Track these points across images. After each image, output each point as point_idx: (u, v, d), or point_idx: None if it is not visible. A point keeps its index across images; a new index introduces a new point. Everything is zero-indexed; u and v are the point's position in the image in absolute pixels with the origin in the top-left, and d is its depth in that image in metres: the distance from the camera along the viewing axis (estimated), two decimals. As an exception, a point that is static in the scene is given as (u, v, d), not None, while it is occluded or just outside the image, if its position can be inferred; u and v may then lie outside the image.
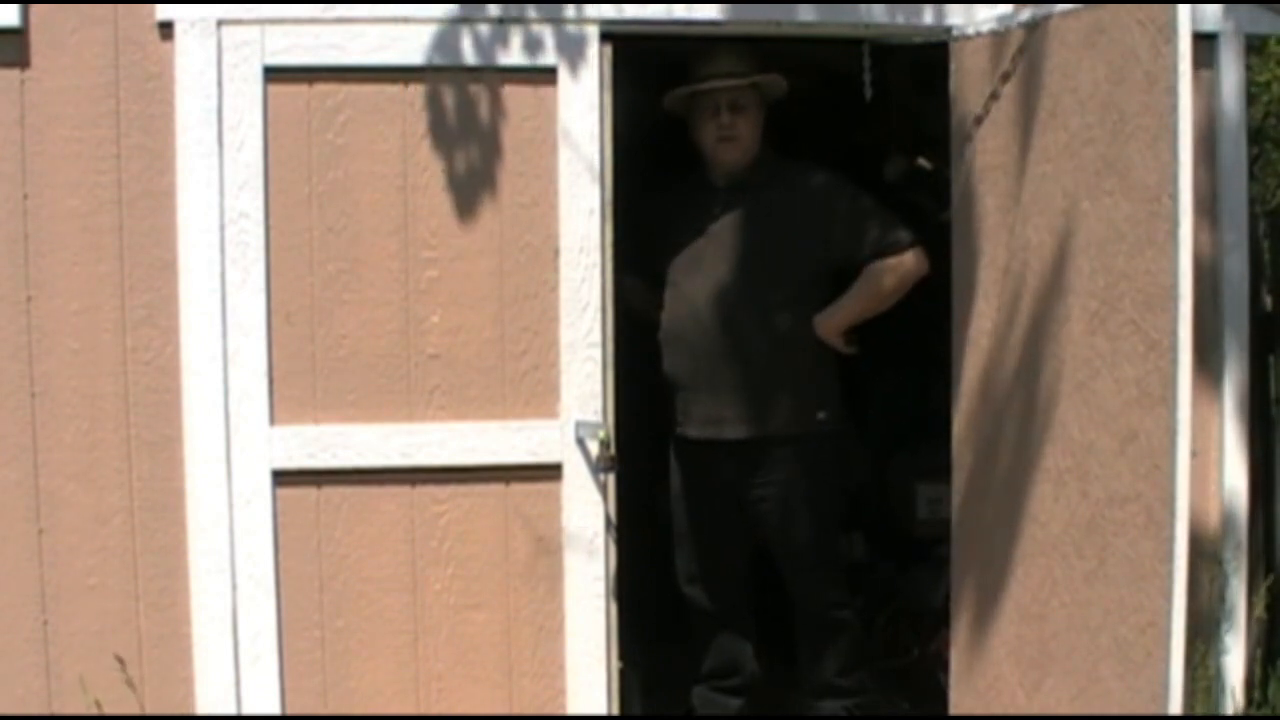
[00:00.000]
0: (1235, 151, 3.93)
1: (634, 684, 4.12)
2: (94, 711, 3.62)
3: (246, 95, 3.65)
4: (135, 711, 3.65)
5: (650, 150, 4.30)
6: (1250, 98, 4.41)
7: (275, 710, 3.72)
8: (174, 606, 3.70)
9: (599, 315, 3.77)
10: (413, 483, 3.76)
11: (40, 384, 3.66)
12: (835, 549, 4.33)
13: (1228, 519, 3.93)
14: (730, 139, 4.11)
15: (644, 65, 3.90)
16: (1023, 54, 3.54)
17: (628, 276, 4.07)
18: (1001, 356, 3.65)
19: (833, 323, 4.10)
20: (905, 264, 4.08)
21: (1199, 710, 3.79)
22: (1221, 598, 3.89)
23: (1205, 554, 3.88)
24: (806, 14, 3.80)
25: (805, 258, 4.09)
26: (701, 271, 4.13)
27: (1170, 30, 3.00)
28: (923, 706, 4.40)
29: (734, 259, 4.10)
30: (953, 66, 3.84)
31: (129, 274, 3.66)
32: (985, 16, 3.73)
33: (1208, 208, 3.86)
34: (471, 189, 3.74)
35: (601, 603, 3.80)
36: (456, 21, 3.69)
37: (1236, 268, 3.95)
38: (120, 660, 3.62)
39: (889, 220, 4.12)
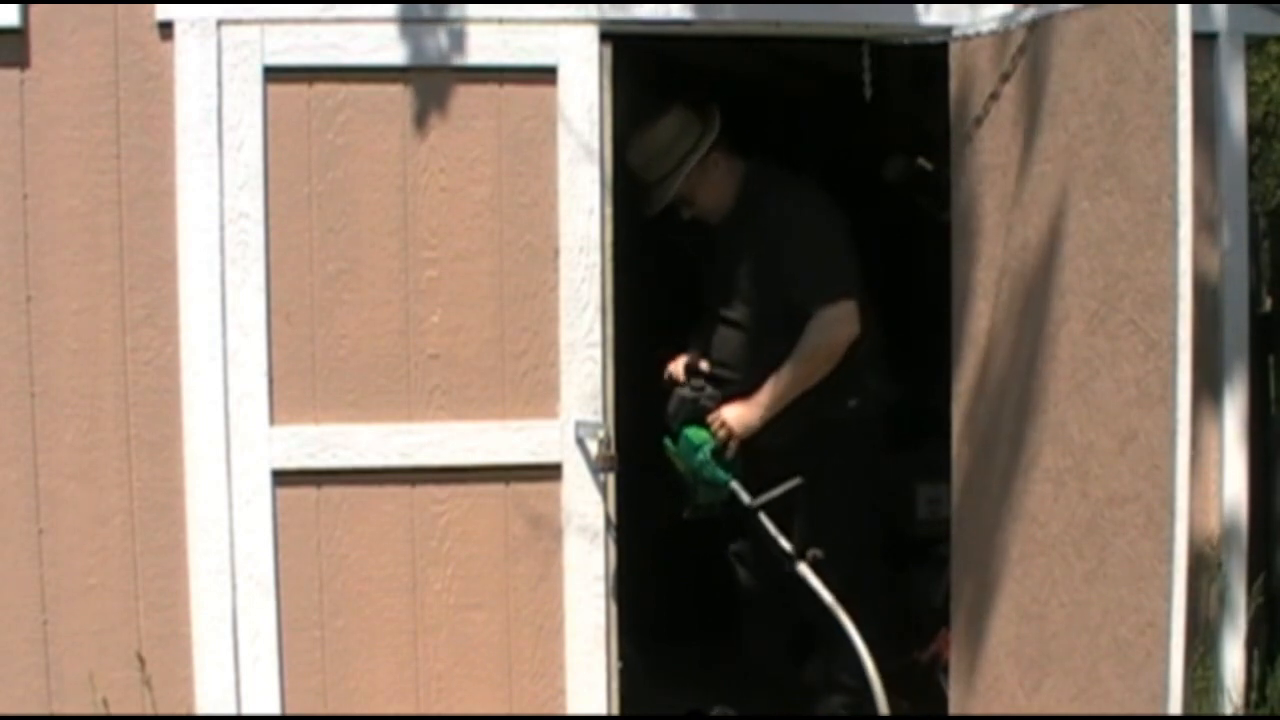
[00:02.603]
0: (1235, 151, 3.93)
1: (639, 679, 4.11)
2: (101, 709, 3.62)
3: (246, 95, 3.65)
4: (139, 710, 3.65)
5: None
6: (1250, 98, 4.41)
7: (275, 710, 3.72)
8: (174, 606, 3.70)
9: (599, 315, 3.77)
10: (413, 483, 3.76)
11: (40, 384, 3.66)
12: (861, 538, 4.30)
13: (1227, 519, 3.93)
14: (704, 212, 4.14)
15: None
16: (1022, 54, 3.54)
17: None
18: (1001, 356, 3.65)
19: (749, 417, 4.01)
20: (838, 314, 3.97)
21: (1199, 710, 3.79)
22: (1221, 598, 3.89)
23: (1205, 554, 3.89)
24: (806, 14, 3.81)
25: (778, 285, 4.08)
26: (714, 296, 4.17)
27: (1170, 30, 3.00)
28: (923, 706, 4.40)
29: (735, 286, 4.12)
30: (953, 66, 3.84)
31: (129, 274, 3.67)
32: (985, 16, 3.73)
33: (1207, 208, 3.86)
34: (471, 189, 3.74)
35: (601, 602, 3.80)
36: (457, 21, 3.69)
37: (1236, 268, 3.95)
38: (141, 659, 3.63)
39: (832, 267, 4.02)
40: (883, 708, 3.59)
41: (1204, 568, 3.86)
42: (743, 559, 4.38)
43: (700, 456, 4.00)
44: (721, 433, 4.01)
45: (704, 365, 4.14)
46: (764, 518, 3.94)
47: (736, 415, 4.01)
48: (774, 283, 4.02)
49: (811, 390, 4.00)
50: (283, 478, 3.71)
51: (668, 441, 4.09)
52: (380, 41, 3.68)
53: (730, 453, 4.02)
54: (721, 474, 3.99)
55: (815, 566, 3.89)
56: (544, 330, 3.77)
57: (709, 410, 4.05)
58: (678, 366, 4.20)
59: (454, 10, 3.69)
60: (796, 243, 4.01)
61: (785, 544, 3.91)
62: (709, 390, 4.09)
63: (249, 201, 3.66)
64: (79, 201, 3.64)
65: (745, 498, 3.96)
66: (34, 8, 3.60)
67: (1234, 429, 3.94)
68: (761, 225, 4.06)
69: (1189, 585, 3.07)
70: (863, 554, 4.24)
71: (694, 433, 4.04)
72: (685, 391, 4.09)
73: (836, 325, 3.97)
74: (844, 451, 4.14)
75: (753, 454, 4.08)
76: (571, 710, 3.81)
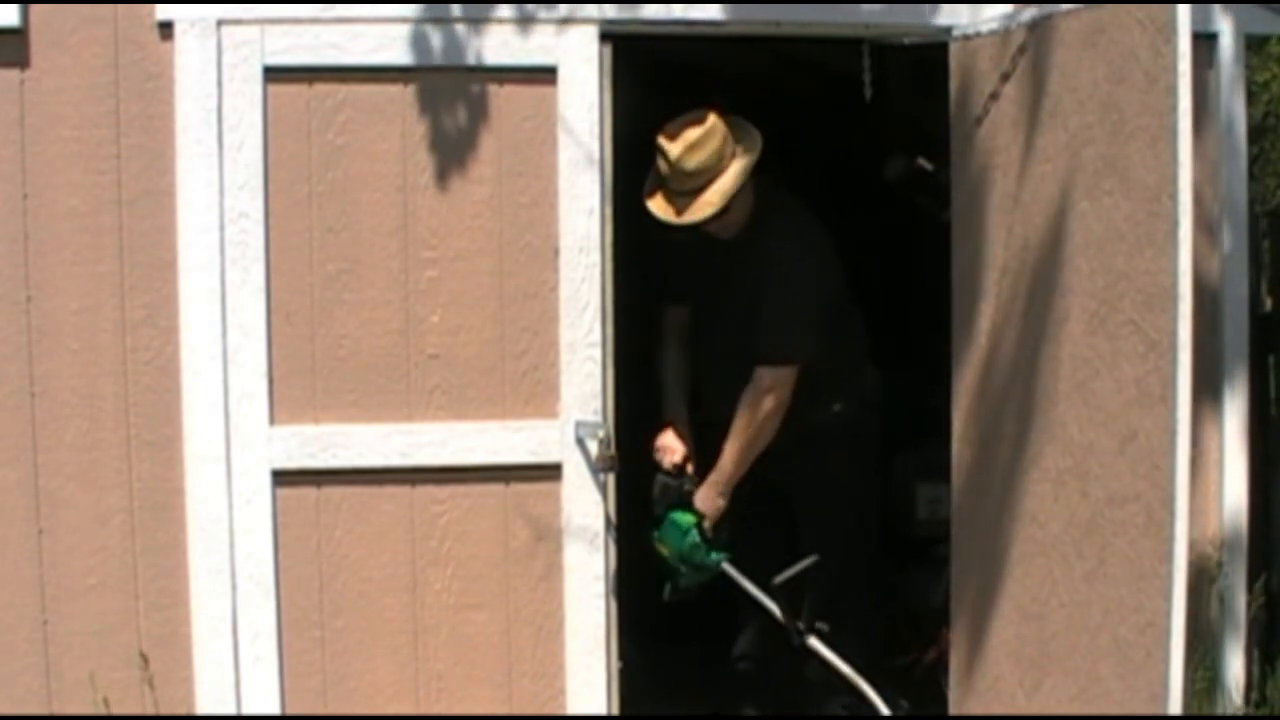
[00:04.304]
0: (1235, 151, 3.93)
1: (639, 680, 4.11)
2: (102, 709, 3.62)
3: (246, 95, 3.65)
4: (139, 710, 3.65)
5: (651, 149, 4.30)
6: (1250, 98, 4.41)
7: (275, 710, 3.72)
8: (174, 606, 3.70)
9: (599, 315, 3.77)
10: (413, 483, 3.76)
11: (40, 384, 3.66)
12: (853, 540, 4.30)
13: (1227, 519, 3.93)
14: (723, 225, 4.02)
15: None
16: (1023, 54, 3.54)
17: (674, 308, 4.21)
18: (1001, 356, 3.66)
19: (713, 498, 4.02)
20: (775, 379, 3.95)
21: (1199, 710, 3.79)
22: (1221, 598, 3.89)
23: (1205, 554, 3.89)
24: (806, 14, 3.81)
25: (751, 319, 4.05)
26: (714, 319, 4.13)
27: (1170, 30, 3.00)
28: (923, 706, 4.40)
29: (735, 304, 4.06)
30: (953, 66, 3.84)
31: (129, 274, 3.66)
32: (985, 16, 3.73)
33: (1207, 208, 3.86)
34: (471, 189, 3.75)
35: (601, 602, 3.80)
36: (457, 21, 3.69)
37: (1236, 268, 3.95)
38: (144, 658, 3.64)
39: (790, 329, 3.97)
40: None
41: (1204, 568, 3.86)
42: (732, 563, 4.38)
43: (690, 540, 3.98)
44: (704, 522, 3.99)
45: (689, 468, 4.10)
46: (740, 580, 3.96)
47: (703, 501, 4.01)
48: (749, 316, 4.00)
49: (796, 396, 4.01)
50: (283, 478, 3.71)
51: (655, 532, 4.06)
52: (380, 42, 3.68)
53: (710, 531, 3.99)
54: (713, 555, 3.99)
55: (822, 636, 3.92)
56: (544, 330, 3.77)
57: (690, 494, 4.03)
58: (672, 456, 4.12)
59: (454, 10, 3.69)
60: (774, 290, 3.96)
61: (778, 615, 3.90)
62: (690, 475, 4.08)
63: (249, 201, 3.66)
64: (79, 201, 3.64)
65: (741, 580, 3.96)
66: (34, 8, 3.60)
67: (1234, 429, 3.94)
68: (755, 258, 4.00)
69: (1189, 585, 3.07)
70: (853, 555, 4.24)
71: (680, 517, 4.01)
72: (665, 479, 4.08)
73: (769, 394, 3.94)
74: (831, 454, 4.14)
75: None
76: (571, 710, 3.81)
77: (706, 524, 3.99)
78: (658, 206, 3.95)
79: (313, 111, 3.69)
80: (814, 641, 3.87)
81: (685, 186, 3.89)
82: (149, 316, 3.68)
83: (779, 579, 3.87)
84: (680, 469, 4.09)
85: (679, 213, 3.91)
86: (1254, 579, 3.95)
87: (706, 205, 3.88)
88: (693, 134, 3.85)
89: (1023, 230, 3.55)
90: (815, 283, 4.02)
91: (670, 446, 4.12)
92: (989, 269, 3.70)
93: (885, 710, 3.79)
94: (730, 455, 4.00)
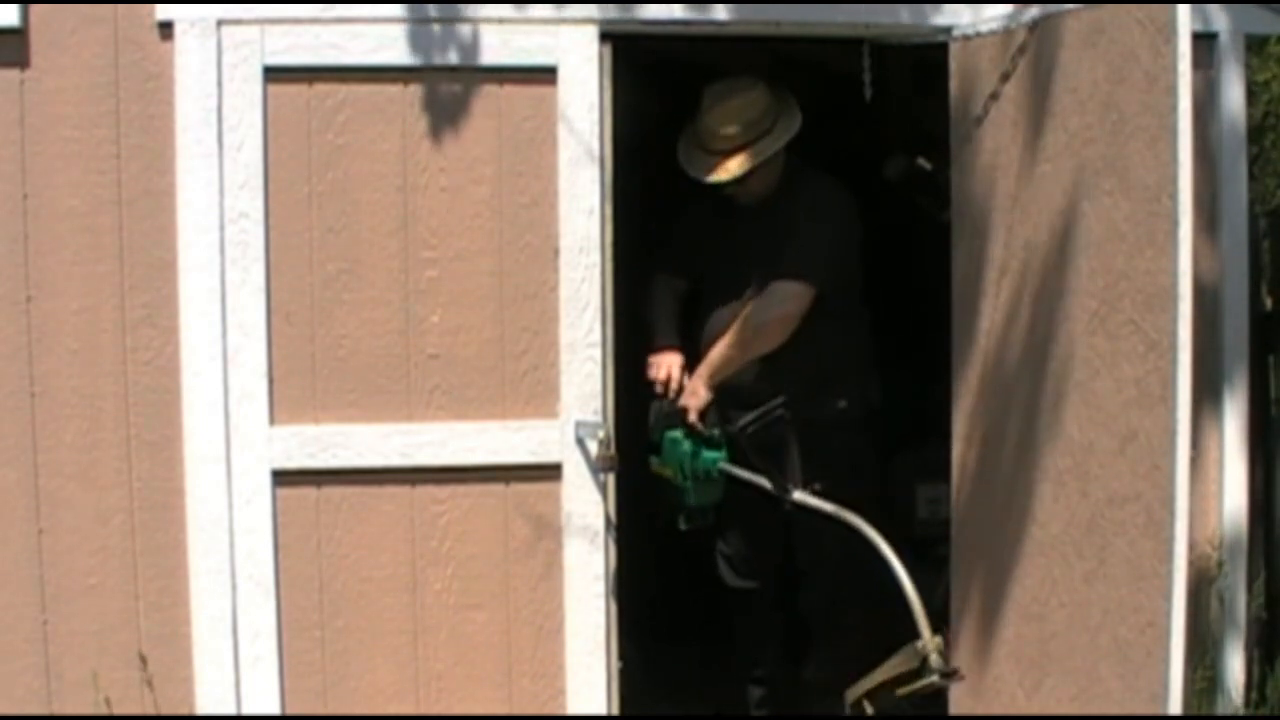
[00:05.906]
0: (1235, 151, 3.93)
1: (639, 679, 4.11)
2: (103, 708, 3.62)
3: (246, 95, 3.65)
4: (139, 710, 3.65)
5: (652, 149, 4.30)
6: (1250, 97, 4.41)
7: (275, 710, 3.72)
8: (174, 606, 3.70)
9: (599, 315, 3.77)
10: (413, 483, 3.76)
11: (40, 384, 3.66)
12: (851, 542, 4.28)
13: (1228, 519, 3.93)
14: (744, 192, 4.11)
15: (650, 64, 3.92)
16: (1023, 54, 3.55)
17: (669, 276, 4.24)
18: (1001, 356, 3.66)
19: (696, 386, 4.03)
20: (787, 291, 3.99)
21: (1199, 710, 3.79)
22: (1221, 598, 3.89)
23: (1205, 554, 3.89)
24: (806, 14, 3.81)
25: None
26: (727, 287, 4.15)
27: (1170, 30, 3.00)
28: (923, 707, 4.39)
29: (754, 272, 4.10)
30: (953, 66, 3.84)
31: (129, 274, 3.66)
32: (985, 16, 3.73)
33: (1207, 208, 3.86)
34: (471, 189, 3.75)
35: (601, 602, 3.80)
36: (457, 21, 3.69)
37: (1236, 268, 3.95)
38: (143, 658, 3.64)
39: (810, 254, 4.03)
40: (923, 626, 3.43)
41: (1204, 568, 3.86)
42: (730, 561, 4.38)
43: (684, 449, 3.98)
44: (689, 415, 4.00)
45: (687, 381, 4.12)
46: (739, 473, 3.89)
47: (687, 391, 4.04)
48: (768, 268, 4.04)
49: (794, 390, 4.00)
50: (283, 478, 3.71)
51: (653, 458, 4.07)
52: (380, 42, 3.68)
53: (695, 419, 3.98)
54: (709, 455, 3.95)
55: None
56: (544, 330, 3.78)
57: (681, 411, 4.05)
58: (672, 372, 4.15)
59: (454, 10, 3.69)
60: (801, 230, 4.04)
61: (769, 484, 3.82)
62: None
63: (249, 201, 3.66)
64: (79, 201, 3.64)
65: (737, 471, 3.90)
66: (34, 8, 3.60)
67: (1234, 429, 3.93)
68: (785, 216, 4.07)
69: (1189, 585, 3.07)
70: (851, 556, 4.23)
71: (671, 434, 4.04)
72: (662, 405, 4.09)
73: (778, 302, 3.98)
74: (828, 453, 4.13)
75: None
76: (571, 710, 3.81)
77: (692, 416, 3.98)
78: (686, 160, 4.07)
79: (313, 111, 3.69)
80: (802, 495, 3.77)
81: (716, 147, 4.02)
82: (149, 316, 3.68)
83: (744, 423, 3.82)
84: (672, 386, 4.10)
85: (704, 171, 4.03)
86: (1254, 578, 3.95)
87: (731, 168, 3.99)
88: (736, 98, 4.00)
89: (1023, 230, 3.55)
90: (843, 228, 4.10)
91: (663, 360, 4.15)
92: (989, 269, 3.70)
93: (903, 573, 3.44)
94: (720, 350, 4.03)
